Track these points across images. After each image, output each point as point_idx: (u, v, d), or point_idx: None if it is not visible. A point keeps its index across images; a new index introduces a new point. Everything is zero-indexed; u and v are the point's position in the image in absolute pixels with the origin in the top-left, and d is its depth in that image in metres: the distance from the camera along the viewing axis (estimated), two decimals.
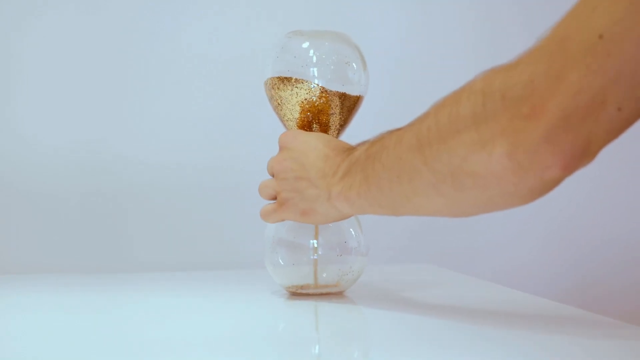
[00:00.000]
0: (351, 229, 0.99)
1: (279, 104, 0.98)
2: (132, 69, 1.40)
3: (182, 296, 1.04)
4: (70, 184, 1.37)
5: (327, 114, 0.97)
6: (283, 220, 0.94)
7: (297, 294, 0.99)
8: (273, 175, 0.93)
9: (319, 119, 0.97)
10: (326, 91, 0.96)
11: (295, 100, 0.97)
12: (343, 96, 0.98)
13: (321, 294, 0.98)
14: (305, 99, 0.96)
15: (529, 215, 1.53)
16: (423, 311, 0.90)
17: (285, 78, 0.96)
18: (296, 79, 0.96)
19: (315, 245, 0.97)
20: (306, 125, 0.98)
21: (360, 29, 1.39)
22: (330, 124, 0.98)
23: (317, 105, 0.97)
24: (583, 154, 0.64)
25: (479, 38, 1.53)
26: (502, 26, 1.54)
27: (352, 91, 0.98)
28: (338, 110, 0.98)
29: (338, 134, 1.00)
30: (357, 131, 1.06)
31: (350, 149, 0.88)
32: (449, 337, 0.77)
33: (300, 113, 0.97)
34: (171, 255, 1.40)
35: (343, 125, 1.00)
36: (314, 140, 0.91)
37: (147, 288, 1.12)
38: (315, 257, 0.97)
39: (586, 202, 1.57)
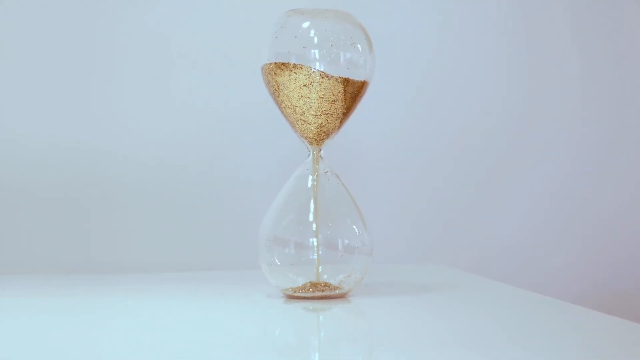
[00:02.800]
0: (354, 227, 0.97)
1: (276, 89, 0.96)
2: (115, 61, 1.39)
3: (170, 299, 1.03)
4: (53, 181, 1.37)
5: (329, 101, 0.95)
6: None
7: (294, 297, 0.96)
8: None
9: (319, 107, 0.95)
10: (327, 76, 0.94)
11: (293, 86, 0.95)
12: (346, 81, 0.95)
13: (321, 297, 0.96)
14: (305, 85, 0.94)
15: (564, 217, 1.53)
16: (432, 315, 0.89)
17: (283, 63, 0.94)
18: (295, 64, 0.94)
19: (315, 243, 0.95)
20: (305, 112, 0.95)
21: (365, 8, 1.38)
22: (332, 112, 0.96)
23: (318, 91, 0.94)
24: None
25: (497, 23, 1.53)
26: (521, 14, 1.53)
27: (357, 76, 0.96)
28: (341, 97, 0.95)
29: (340, 122, 0.98)
30: (362, 120, 1.06)
31: None
32: (460, 343, 0.75)
33: (300, 100, 0.95)
34: (159, 255, 1.39)
35: (346, 113, 0.97)
36: None
37: (134, 289, 1.12)
38: (315, 256, 0.95)
39: (627, 202, 1.55)
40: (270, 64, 0.95)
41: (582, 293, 1.51)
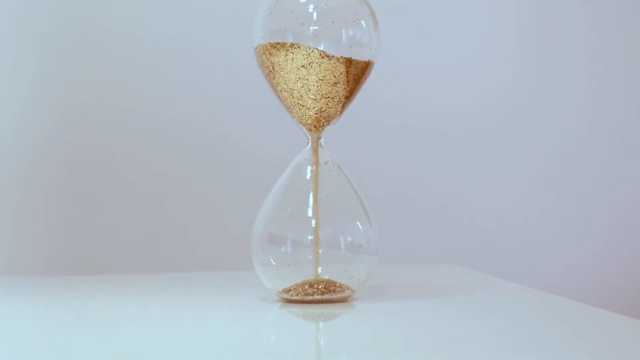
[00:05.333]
0: (358, 223, 0.94)
1: (271, 71, 0.93)
2: (107, 56, 1.41)
3: (156, 304, 1.01)
4: (48, 181, 1.39)
5: (330, 83, 0.92)
6: None
7: (292, 300, 0.94)
8: None
9: (319, 89, 0.92)
10: (328, 56, 0.91)
11: (290, 67, 0.92)
12: (349, 62, 0.92)
13: (322, 301, 0.93)
14: (303, 66, 0.91)
15: (582, 212, 1.53)
16: (444, 320, 0.88)
17: (279, 42, 0.92)
18: (292, 43, 0.91)
19: (315, 241, 0.93)
20: (303, 96, 0.93)
21: None
22: (333, 96, 0.93)
23: (318, 72, 0.91)
24: None
25: (511, 3, 1.53)
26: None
27: (361, 56, 0.93)
28: (343, 79, 0.92)
29: (342, 107, 0.95)
30: (366, 105, 1.04)
31: None
32: (475, 351, 0.74)
33: (297, 82, 0.92)
34: (147, 256, 1.40)
35: (349, 97, 0.94)
36: None
37: (118, 292, 1.11)
38: (314, 256, 0.93)
39: None
40: (265, 43, 0.92)
41: (598, 295, 1.50)
